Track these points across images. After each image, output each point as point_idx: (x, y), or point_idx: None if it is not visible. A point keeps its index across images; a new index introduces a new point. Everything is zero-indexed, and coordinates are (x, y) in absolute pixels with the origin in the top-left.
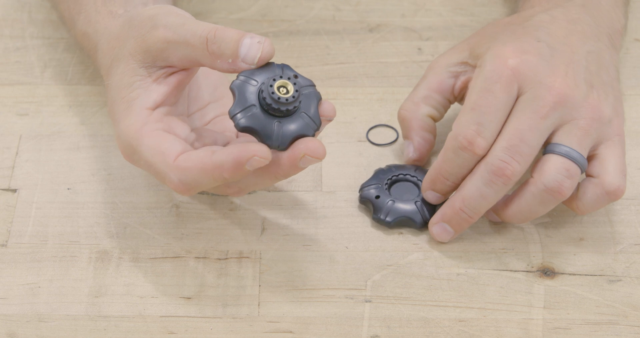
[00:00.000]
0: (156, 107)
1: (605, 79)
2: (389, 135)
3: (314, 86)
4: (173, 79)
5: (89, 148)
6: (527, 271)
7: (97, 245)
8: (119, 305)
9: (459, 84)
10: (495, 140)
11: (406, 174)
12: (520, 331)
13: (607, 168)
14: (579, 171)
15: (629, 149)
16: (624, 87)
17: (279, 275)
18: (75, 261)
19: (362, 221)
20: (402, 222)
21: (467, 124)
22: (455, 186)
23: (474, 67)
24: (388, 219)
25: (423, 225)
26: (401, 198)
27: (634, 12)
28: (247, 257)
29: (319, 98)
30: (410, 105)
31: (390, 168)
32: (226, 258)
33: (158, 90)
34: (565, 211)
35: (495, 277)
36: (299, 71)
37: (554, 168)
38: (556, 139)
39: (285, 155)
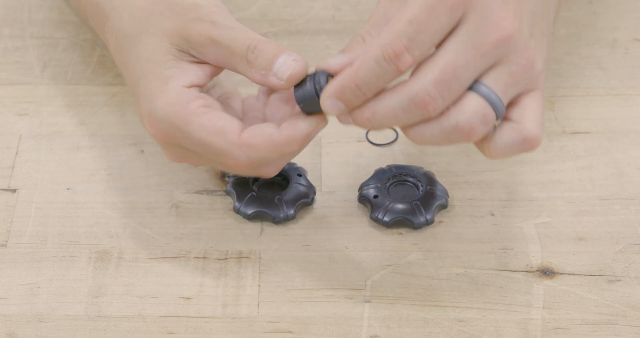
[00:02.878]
0: (192, 87)
1: (544, 29)
2: (389, 135)
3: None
4: (206, 67)
5: (89, 147)
6: (526, 272)
7: (97, 245)
8: (118, 305)
9: None
10: (422, 62)
11: (406, 175)
12: (519, 331)
13: (529, 116)
14: (494, 118)
15: (629, 149)
16: (623, 87)
17: (278, 275)
18: (75, 261)
19: (362, 221)
20: (399, 222)
21: (399, 36)
22: (365, 100)
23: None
24: (386, 219)
25: (421, 225)
26: (400, 198)
27: (634, 11)
28: (247, 257)
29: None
30: (366, 34)
31: (390, 168)
32: (226, 258)
33: (193, 71)
34: (564, 211)
35: (495, 277)
36: None
37: (473, 109)
38: (484, 79)
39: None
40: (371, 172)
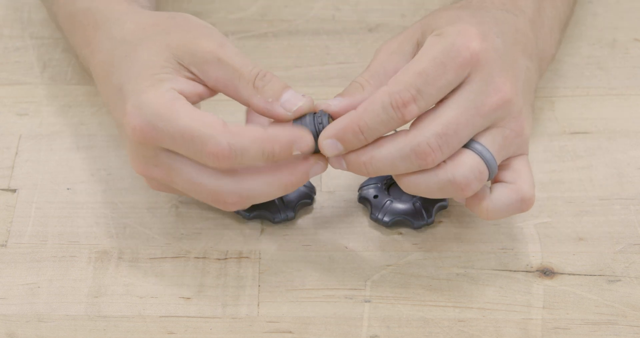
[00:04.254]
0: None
1: (530, 99)
2: None
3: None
4: (199, 87)
5: (89, 147)
6: (526, 272)
7: (97, 245)
8: (118, 305)
9: None
10: (423, 115)
11: None
12: (519, 331)
13: (524, 178)
14: (487, 177)
15: (629, 149)
16: (623, 87)
17: (278, 275)
18: (75, 262)
19: (362, 221)
20: (399, 222)
21: (408, 86)
22: (365, 143)
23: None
24: (385, 219)
25: (421, 225)
26: (400, 198)
27: (634, 11)
28: (247, 257)
29: None
30: (363, 81)
31: None
32: (226, 258)
33: (186, 84)
34: (564, 211)
35: (495, 277)
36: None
37: (469, 166)
38: (480, 139)
39: (301, 163)
40: None
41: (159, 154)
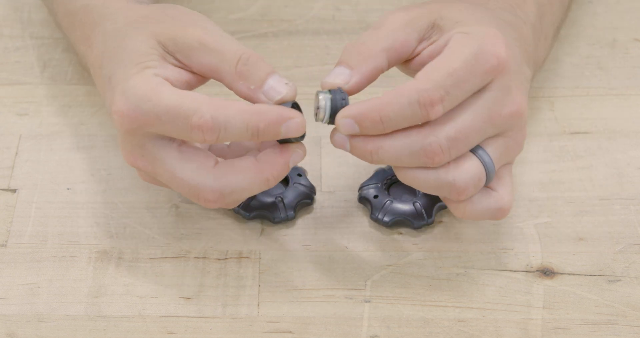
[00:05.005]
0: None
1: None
2: None
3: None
4: (185, 74)
5: (89, 147)
6: (526, 272)
7: (97, 245)
8: (118, 305)
9: (424, 50)
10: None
11: None
12: (519, 331)
13: (506, 187)
14: (483, 185)
15: (629, 149)
16: (623, 87)
17: (278, 275)
18: (75, 261)
19: (362, 222)
20: (399, 222)
21: (438, 85)
22: (381, 133)
23: (441, 31)
24: (386, 219)
25: (421, 225)
26: (400, 198)
27: (634, 11)
28: (247, 257)
29: None
30: (372, 45)
31: (390, 168)
32: (226, 258)
33: (173, 71)
34: (564, 211)
35: (495, 277)
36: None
37: (472, 173)
38: (486, 147)
39: (279, 154)
40: (371, 172)
41: (146, 143)
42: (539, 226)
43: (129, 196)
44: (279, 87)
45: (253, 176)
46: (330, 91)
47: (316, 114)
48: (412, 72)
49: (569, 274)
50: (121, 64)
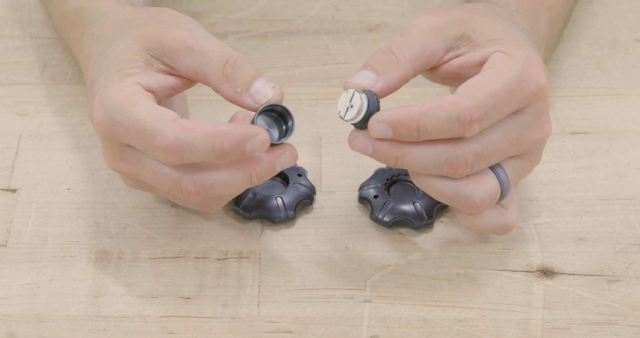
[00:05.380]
0: (148, 90)
1: None
2: None
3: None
4: (171, 79)
5: (89, 148)
6: (526, 272)
7: (97, 245)
8: (118, 305)
9: (452, 60)
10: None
11: (406, 175)
12: (519, 331)
13: (514, 206)
14: (496, 202)
15: (629, 149)
16: (623, 87)
17: (278, 275)
18: (75, 261)
19: (362, 222)
20: (399, 222)
21: (479, 104)
22: (414, 140)
23: (472, 43)
24: (385, 219)
25: (421, 225)
26: (400, 198)
27: (634, 11)
28: (247, 257)
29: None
30: (400, 54)
31: (390, 168)
32: (226, 258)
33: (155, 77)
34: (564, 211)
35: (495, 277)
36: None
37: (489, 190)
38: (506, 167)
39: (267, 154)
40: (371, 172)
41: (124, 148)
42: (539, 226)
43: (129, 196)
44: (265, 90)
45: (235, 171)
46: (364, 92)
47: (345, 112)
48: (436, 79)
49: (569, 274)
50: (103, 70)
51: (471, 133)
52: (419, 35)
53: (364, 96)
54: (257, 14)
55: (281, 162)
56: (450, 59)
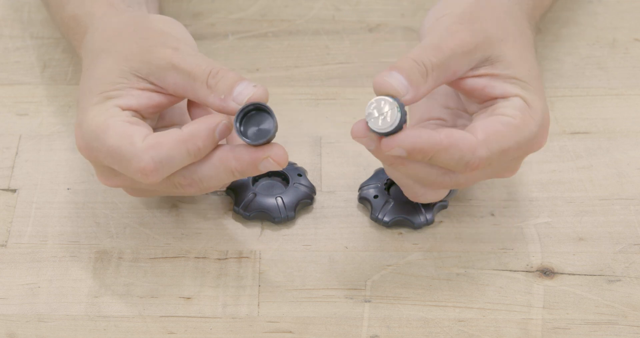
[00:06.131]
0: (128, 110)
1: None
2: None
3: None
4: (156, 97)
5: None
6: (526, 272)
7: (97, 245)
8: (118, 305)
9: (468, 79)
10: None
11: None
12: (519, 331)
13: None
14: None
15: (629, 149)
16: (623, 87)
17: (278, 275)
18: (75, 262)
19: (362, 221)
20: (399, 222)
21: (490, 158)
22: (424, 161)
23: (493, 68)
24: (386, 219)
25: (421, 225)
26: (400, 198)
27: (634, 11)
28: (247, 257)
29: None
30: (432, 69)
31: None
32: (226, 258)
33: (138, 97)
34: (564, 211)
35: (495, 277)
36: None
37: (440, 194)
38: None
39: (249, 153)
40: (371, 172)
41: (108, 168)
42: (539, 226)
43: (129, 196)
44: (246, 90)
45: (218, 166)
46: (396, 101)
47: (374, 121)
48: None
49: (569, 274)
50: (86, 91)
51: (472, 176)
52: (451, 57)
53: (398, 112)
54: (257, 14)
55: (264, 165)
56: (467, 77)
